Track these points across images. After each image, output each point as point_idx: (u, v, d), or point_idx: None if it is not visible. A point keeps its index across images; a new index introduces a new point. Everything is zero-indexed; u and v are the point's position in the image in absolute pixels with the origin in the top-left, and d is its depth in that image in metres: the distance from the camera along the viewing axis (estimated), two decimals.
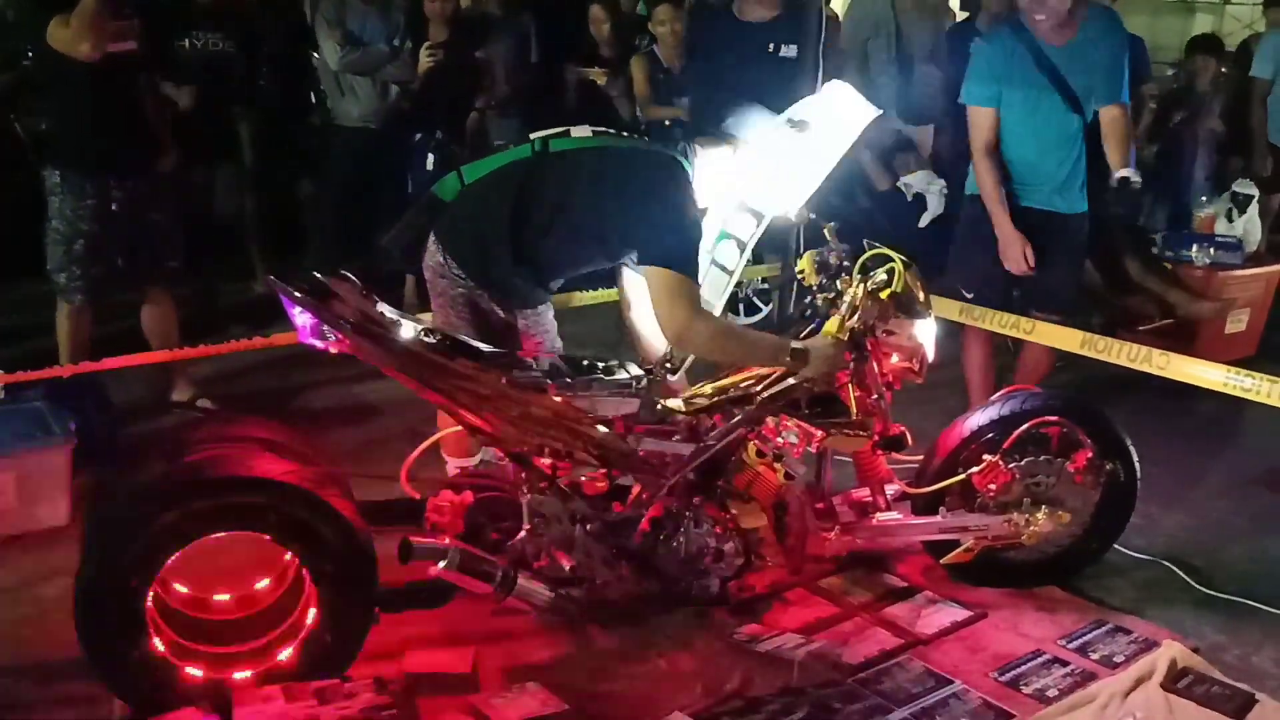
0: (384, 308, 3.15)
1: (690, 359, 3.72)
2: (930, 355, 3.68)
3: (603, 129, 3.52)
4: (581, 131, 3.48)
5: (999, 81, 4.78)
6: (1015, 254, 4.76)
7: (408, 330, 3.13)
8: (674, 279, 3.23)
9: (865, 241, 3.66)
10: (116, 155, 4.77)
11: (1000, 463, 3.67)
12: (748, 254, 3.67)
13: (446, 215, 3.48)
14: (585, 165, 3.42)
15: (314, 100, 7.29)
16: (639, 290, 3.61)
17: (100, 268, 4.82)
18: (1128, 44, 4.85)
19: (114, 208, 4.77)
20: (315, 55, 6.73)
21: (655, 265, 3.25)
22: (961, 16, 8.26)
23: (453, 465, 3.82)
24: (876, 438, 3.57)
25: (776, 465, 3.44)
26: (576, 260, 3.49)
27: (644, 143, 3.50)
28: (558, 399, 3.20)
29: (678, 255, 3.26)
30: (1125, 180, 4.64)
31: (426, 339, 3.15)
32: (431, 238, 3.47)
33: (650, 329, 3.44)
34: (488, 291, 3.43)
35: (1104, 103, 4.67)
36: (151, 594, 2.91)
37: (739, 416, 3.38)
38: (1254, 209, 7.11)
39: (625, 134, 3.56)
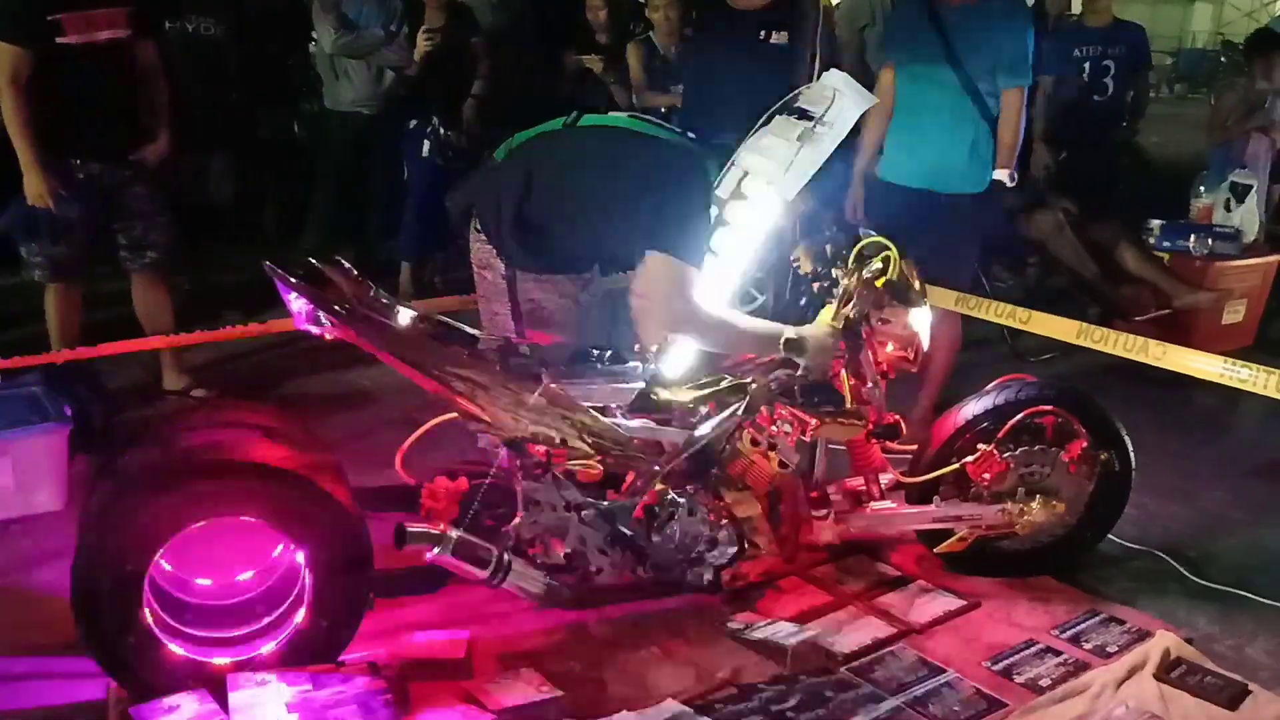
0: (379, 294, 3.16)
1: None
2: (925, 344, 3.68)
3: (647, 118, 3.61)
4: (620, 114, 3.58)
5: (897, 42, 4.92)
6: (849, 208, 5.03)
7: (403, 317, 3.14)
8: (674, 266, 3.23)
9: (861, 230, 3.66)
10: (83, 137, 4.74)
11: (995, 452, 3.68)
12: (745, 242, 3.66)
13: (484, 175, 3.57)
14: (610, 143, 3.49)
15: (303, 86, 7.29)
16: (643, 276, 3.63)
17: (64, 248, 4.79)
18: (1029, 24, 4.87)
19: (70, 188, 4.72)
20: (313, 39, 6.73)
21: (657, 250, 3.25)
22: None
23: None
24: (871, 426, 3.58)
25: (770, 454, 3.44)
26: (583, 235, 3.47)
27: (678, 136, 3.51)
28: (553, 386, 3.20)
29: (682, 243, 3.25)
30: (999, 183, 4.77)
31: (421, 325, 3.15)
32: None
33: (649, 317, 3.44)
34: (496, 248, 3.46)
35: (1004, 85, 4.74)
36: (147, 579, 2.92)
37: (733, 405, 3.39)
38: (1252, 199, 7.12)
39: (668, 127, 3.59)
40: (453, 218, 3.65)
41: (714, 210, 3.39)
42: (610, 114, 3.60)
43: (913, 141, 4.86)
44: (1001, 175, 4.79)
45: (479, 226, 3.50)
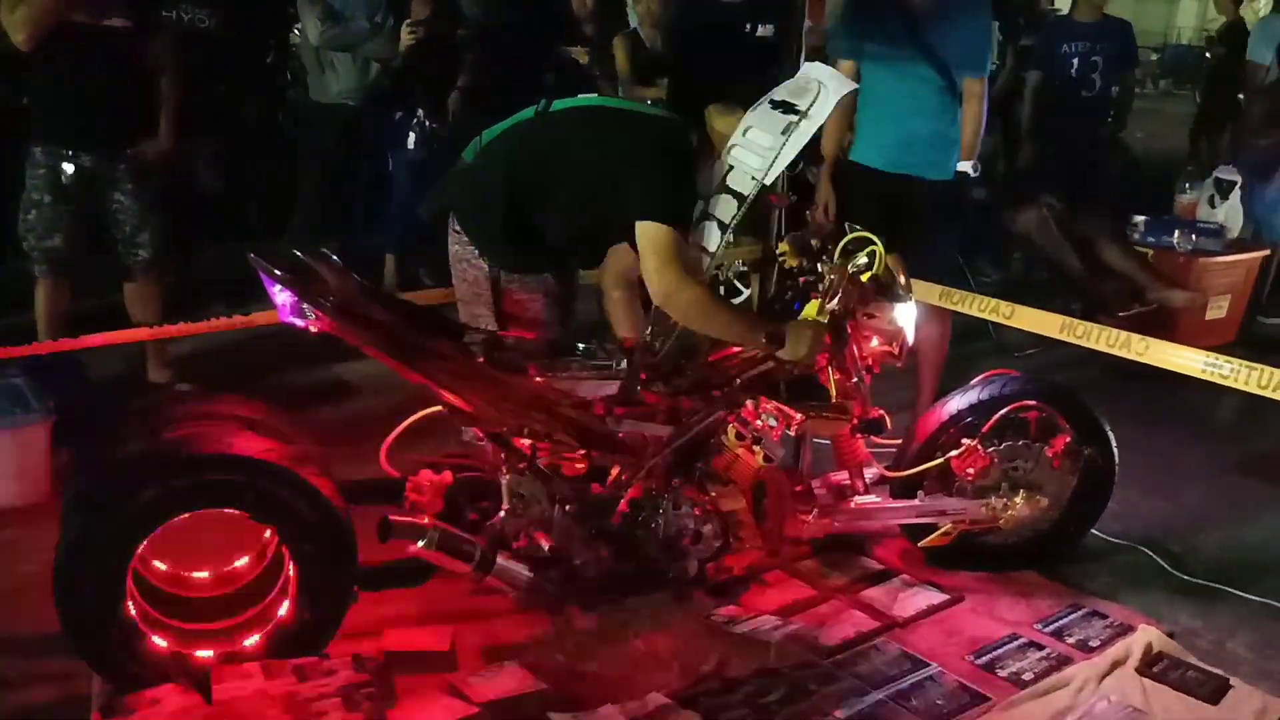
0: (364, 286, 3.15)
1: (671, 340, 3.72)
2: (910, 339, 3.68)
3: (618, 97, 3.59)
4: (590, 96, 3.57)
5: (861, 32, 4.83)
6: (819, 208, 4.95)
7: (388, 309, 3.13)
8: (666, 235, 3.22)
9: (846, 224, 3.66)
10: (77, 128, 4.71)
11: (979, 447, 3.68)
12: (729, 235, 3.66)
13: (460, 176, 3.54)
14: (585, 121, 3.49)
15: (289, 77, 7.26)
16: (617, 269, 3.63)
17: (56, 242, 4.76)
18: (989, 14, 4.91)
19: (63, 181, 4.70)
20: (297, 30, 6.70)
21: (648, 220, 3.23)
22: None
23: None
24: (855, 421, 3.58)
25: (755, 448, 3.43)
26: (569, 223, 3.46)
27: (654, 109, 3.52)
28: (538, 380, 3.20)
29: (672, 211, 3.25)
30: (963, 174, 4.77)
31: (406, 318, 3.15)
32: None
33: (625, 311, 3.43)
34: (480, 250, 3.44)
35: (965, 74, 4.75)
36: (131, 571, 2.91)
37: (718, 399, 3.38)
38: (1236, 195, 7.14)
39: (641, 103, 3.60)
40: (428, 221, 3.63)
41: (698, 194, 3.39)
42: (580, 96, 3.58)
43: (890, 127, 4.81)
44: (965, 167, 4.79)
45: (458, 228, 3.49)
